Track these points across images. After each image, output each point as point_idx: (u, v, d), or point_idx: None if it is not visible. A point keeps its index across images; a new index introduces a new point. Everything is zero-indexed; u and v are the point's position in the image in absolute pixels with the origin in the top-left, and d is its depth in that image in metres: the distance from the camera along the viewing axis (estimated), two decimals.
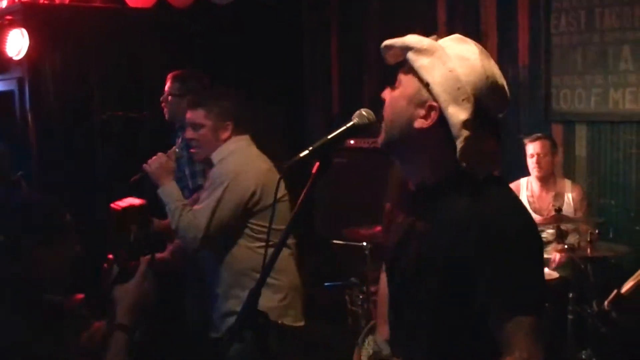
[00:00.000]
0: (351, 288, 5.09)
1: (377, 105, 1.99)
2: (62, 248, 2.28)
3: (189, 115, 3.42)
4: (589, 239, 4.34)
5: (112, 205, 2.70)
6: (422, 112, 1.93)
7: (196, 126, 3.40)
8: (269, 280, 3.24)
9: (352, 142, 6.13)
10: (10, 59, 5.25)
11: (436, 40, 2.03)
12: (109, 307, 2.30)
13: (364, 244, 4.82)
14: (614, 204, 5.18)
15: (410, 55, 2.02)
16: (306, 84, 7.23)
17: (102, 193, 4.88)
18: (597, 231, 4.41)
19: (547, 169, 4.93)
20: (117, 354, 2.21)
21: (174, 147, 3.52)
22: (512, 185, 5.09)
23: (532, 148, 4.94)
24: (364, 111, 2.17)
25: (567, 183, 4.99)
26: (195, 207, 3.32)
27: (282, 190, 3.41)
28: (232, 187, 3.26)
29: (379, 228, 4.89)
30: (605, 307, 4.12)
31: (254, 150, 3.47)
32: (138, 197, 3.46)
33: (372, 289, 5.02)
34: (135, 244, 2.74)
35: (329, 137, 2.12)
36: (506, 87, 1.95)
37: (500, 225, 1.82)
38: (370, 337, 4.49)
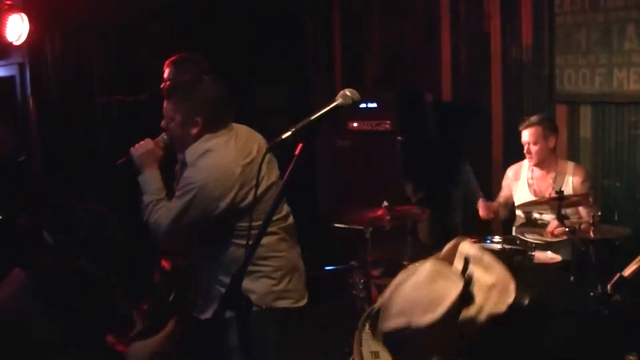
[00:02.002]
0: (352, 272, 5.06)
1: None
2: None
3: (164, 104, 3.30)
4: (591, 222, 4.29)
5: (163, 263, 2.62)
6: None
7: (168, 118, 3.28)
8: (259, 268, 3.26)
9: (355, 124, 6.10)
10: (11, 44, 5.25)
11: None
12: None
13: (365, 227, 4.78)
14: (619, 186, 5.12)
15: None
16: (309, 63, 7.19)
17: (102, 177, 4.89)
18: (599, 213, 4.35)
19: (540, 156, 4.82)
20: None
21: (162, 134, 3.35)
22: (515, 167, 5.10)
23: (522, 136, 4.83)
24: (347, 91, 2.16)
25: (570, 165, 4.90)
26: (166, 205, 3.23)
27: (274, 175, 3.34)
28: (200, 196, 3.12)
29: (380, 211, 4.87)
30: (608, 289, 4.08)
31: (229, 152, 3.23)
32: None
33: (373, 272, 4.99)
34: (175, 302, 2.63)
35: (312, 117, 2.10)
36: None
37: None
38: (370, 322, 4.49)
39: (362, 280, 4.94)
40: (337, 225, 5.04)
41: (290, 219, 3.48)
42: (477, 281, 1.90)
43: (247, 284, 3.18)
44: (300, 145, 2.07)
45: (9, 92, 5.47)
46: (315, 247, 5.45)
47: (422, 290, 1.88)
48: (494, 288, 1.88)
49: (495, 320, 1.85)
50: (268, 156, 2.94)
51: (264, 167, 3.19)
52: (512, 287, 1.89)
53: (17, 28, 5.15)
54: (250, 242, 2.08)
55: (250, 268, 3.18)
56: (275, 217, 3.24)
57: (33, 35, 5.17)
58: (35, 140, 5.37)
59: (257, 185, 3.07)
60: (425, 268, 1.93)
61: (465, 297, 1.86)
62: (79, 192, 5.09)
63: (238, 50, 6.20)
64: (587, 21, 5.13)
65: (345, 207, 5.35)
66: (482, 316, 1.85)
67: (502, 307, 1.85)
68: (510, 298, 1.87)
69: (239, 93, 5.87)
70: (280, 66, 6.62)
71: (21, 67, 5.35)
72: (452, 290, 1.85)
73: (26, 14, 5.13)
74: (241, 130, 3.37)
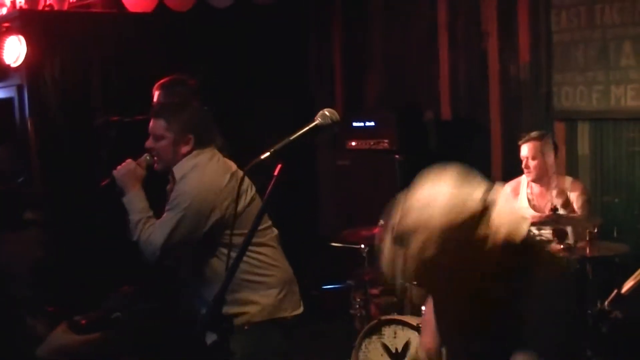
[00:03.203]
0: (350, 291, 5.04)
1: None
2: (16, 242, 2.25)
3: (151, 124, 3.34)
4: (587, 238, 4.26)
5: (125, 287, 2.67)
6: None
7: (157, 137, 3.32)
8: (260, 278, 3.27)
9: (353, 143, 6.10)
10: (9, 66, 5.28)
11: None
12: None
13: (362, 246, 4.76)
14: (618, 202, 5.10)
15: None
16: (311, 82, 7.21)
17: (101, 198, 4.89)
18: (595, 230, 4.33)
19: (538, 171, 4.81)
20: None
21: (145, 155, 3.41)
22: (513, 183, 5.07)
23: (521, 151, 4.85)
24: (327, 111, 2.18)
25: (568, 181, 4.89)
26: (157, 221, 3.28)
27: (250, 192, 3.36)
28: (191, 209, 3.19)
29: (377, 230, 4.84)
30: (606, 307, 4.05)
31: (214, 165, 3.34)
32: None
33: (372, 291, 4.97)
34: (116, 321, 2.61)
35: (291, 138, 2.11)
36: None
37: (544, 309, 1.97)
38: (367, 340, 4.49)
39: (359, 300, 4.91)
40: (334, 244, 5.03)
41: (275, 230, 3.50)
42: (498, 206, 1.95)
43: (251, 296, 3.27)
44: (279, 166, 2.08)
45: (7, 114, 5.49)
46: (314, 266, 5.46)
47: (445, 191, 1.93)
48: (513, 215, 1.97)
49: (508, 248, 1.91)
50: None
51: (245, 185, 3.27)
52: (525, 224, 2.02)
53: (15, 50, 5.19)
54: (231, 263, 2.09)
55: (255, 279, 3.29)
56: (262, 227, 3.28)
57: (31, 57, 5.20)
58: (35, 161, 5.38)
59: (237, 201, 3.08)
60: (451, 173, 2.00)
61: (485, 215, 1.91)
62: (79, 211, 5.11)
63: (240, 67, 6.22)
64: (584, 38, 5.13)
65: (346, 226, 5.33)
66: (499, 237, 1.90)
67: (517, 238, 1.94)
68: (523, 232, 1.97)
69: (241, 109, 5.96)
70: (282, 83, 6.64)
71: (19, 89, 5.36)
72: (475, 199, 1.92)
73: (24, 36, 5.16)
74: (217, 152, 3.45)
